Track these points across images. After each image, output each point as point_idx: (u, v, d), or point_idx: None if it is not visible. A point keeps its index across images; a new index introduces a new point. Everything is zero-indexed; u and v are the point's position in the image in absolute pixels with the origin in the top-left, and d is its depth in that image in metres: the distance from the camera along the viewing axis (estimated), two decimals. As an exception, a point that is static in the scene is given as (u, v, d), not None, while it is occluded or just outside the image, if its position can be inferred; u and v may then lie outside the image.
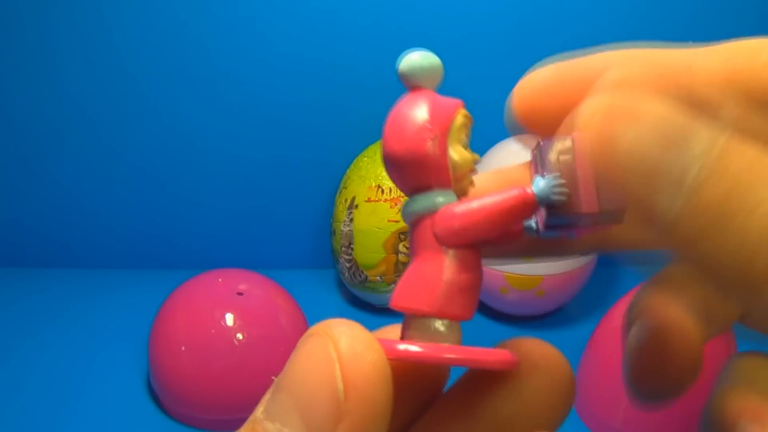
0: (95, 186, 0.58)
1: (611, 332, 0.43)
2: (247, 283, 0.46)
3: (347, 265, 0.53)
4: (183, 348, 0.43)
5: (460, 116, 0.19)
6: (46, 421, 0.45)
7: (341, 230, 0.52)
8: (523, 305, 0.52)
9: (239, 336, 0.43)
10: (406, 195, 0.19)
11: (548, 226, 0.18)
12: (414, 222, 0.19)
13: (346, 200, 0.52)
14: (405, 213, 0.19)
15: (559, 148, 0.19)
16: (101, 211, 0.59)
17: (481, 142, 0.53)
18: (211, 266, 0.49)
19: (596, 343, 0.44)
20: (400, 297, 0.19)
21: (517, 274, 0.49)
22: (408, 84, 0.19)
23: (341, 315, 0.57)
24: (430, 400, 0.19)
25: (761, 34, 0.49)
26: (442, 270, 0.19)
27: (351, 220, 0.51)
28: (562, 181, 0.18)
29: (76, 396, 0.46)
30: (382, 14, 0.53)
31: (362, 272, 0.52)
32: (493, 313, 0.54)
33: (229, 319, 0.43)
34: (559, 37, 0.54)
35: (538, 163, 0.19)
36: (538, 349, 0.18)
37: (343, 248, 0.52)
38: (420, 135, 0.18)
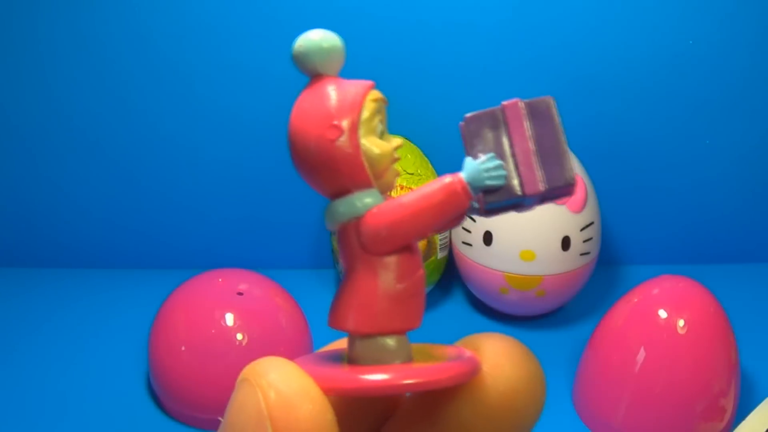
0: (95, 186, 0.58)
1: (611, 332, 0.43)
2: (247, 283, 0.46)
3: (347, 265, 0.53)
4: (183, 348, 0.43)
5: (370, 102, 0.16)
6: (45, 421, 0.45)
7: (341, 230, 0.52)
8: (523, 305, 0.52)
9: (239, 336, 0.43)
10: (327, 198, 0.17)
11: (488, 211, 0.16)
12: (339, 230, 0.17)
13: (346, 200, 0.52)
14: (326, 221, 0.17)
15: (488, 121, 0.16)
16: (101, 211, 0.59)
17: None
18: (211, 266, 0.49)
19: (596, 343, 0.44)
20: (337, 317, 0.17)
21: (517, 275, 0.49)
22: (306, 69, 0.17)
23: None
24: (392, 406, 0.18)
25: (758, 33, 0.49)
26: (376, 283, 0.16)
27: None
28: (497, 161, 0.16)
29: (76, 396, 0.46)
30: (382, 15, 0.53)
31: (362, 272, 0.52)
32: (493, 313, 0.54)
33: (229, 319, 0.43)
34: (559, 38, 0.54)
35: (468, 142, 0.16)
36: (502, 347, 0.16)
37: (343, 248, 0.52)
38: (325, 135, 0.16)
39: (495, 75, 0.55)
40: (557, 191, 0.16)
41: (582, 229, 0.49)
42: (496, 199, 0.16)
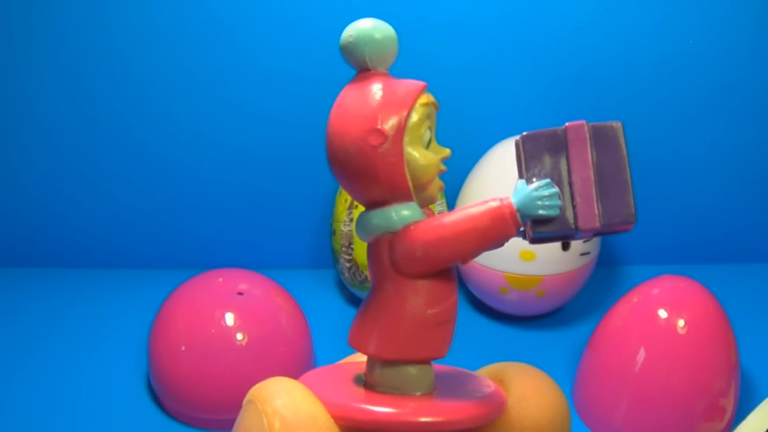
0: (95, 185, 0.58)
1: (611, 332, 0.43)
2: (247, 283, 0.46)
3: (347, 265, 0.53)
4: (183, 348, 0.43)
5: (420, 106, 0.15)
6: (45, 421, 0.45)
7: (341, 230, 0.52)
8: (523, 305, 0.52)
9: (239, 336, 0.43)
10: (363, 206, 0.15)
11: (535, 240, 0.15)
12: (371, 244, 0.15)
13: (346, 200, 0.52)
14: (358, 231, 0.15)
15: (548, 142, 0.14)
16: (102, 211, 0.59)
17: (483, 140, 0.53)
18: (211, 266, 0.49)
19: (596, 343, 0.44)
20: (358, 338, 0.15)
21: (517, 275, 0.49)
22: (355, 62, 0.15)
23: (341, 315, 0.57)
24: None
25: (758, 33, 0.49)
26: (404, 307, 0.15)
27: (351, 220, 0.51)
28: (553, 189, 0.14)
29: (76, 396, 0.46)
30: (382, 14, 0.53)
31: (362, 272, 0.52)
32: (493, 313, 0.54)
33: (229, 319, 0.43)
34: (560, 37, 0.54)
35: (523, 163, 0.15)
36: (528, 380, 0.16)
37: (343, 248, 0.52)
38: (367, 139, 0.14)
39: (493, 75, 0.55)
40: (614, 227, 0.14)
41: (582, 229, 0.49)
42: (546, 229, 0.14)
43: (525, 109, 0.56)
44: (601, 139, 0.15)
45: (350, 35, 0.15)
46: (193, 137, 0.57)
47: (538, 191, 0.14)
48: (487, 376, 0.16)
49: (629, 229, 0.14)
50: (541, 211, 0.14)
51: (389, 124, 0.14)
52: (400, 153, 0.14)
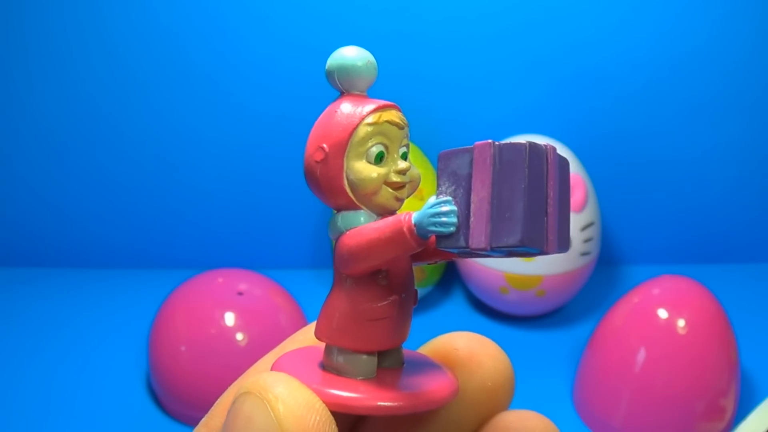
0: (95, 185, 0.58)
1: (611, 332, 0.43)
2: (247, 283, 0.46)
3: (347, 265, 0.53)
4: (183, 348, 0.43)
5: (364, 125, 0.16)
6: (45, 421, 0.45)
7: (341, 230, 0.52)
8: (523, 305, 0.52)
9: (239, 336, 0.43)
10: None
11: (440, 253, 0.15)
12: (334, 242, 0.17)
13: (346, 200, 0.52)
14: (329, 232, 0.17)
15: (458, 160, 0.15)
16: (101, 211, 0.59)
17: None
18: (211, 266, 0.49)
19: (596, 343, 0.44)
20: (317, 324, 0.18)
21: (517, 274, 0.49)
22: (335, 87, 0.17)
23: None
24: None
25: (758, 33, 0.49)
26: (339, 299, 0.17)
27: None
28: (445, 208, 0.14)
29: (76, 396, 0.46)
30: (381, 16, 0.53)
31: (362, 272, 0.52)
32: (493, 313, 0.54)
33: (229, 319, 0.43)
34: (559, 38, 0.54)
35: (439, 179, 0.15)
36: (481, 346, 0.18)
37: (343, 248, 0.52)
38: (313, 156, 0.16)
39: (496, 74, 0.55)
40: (517, 248, 0.14)
41: (582, 229, 0.49)
42: (446, 244, 0.15)
43: (524, 112, 0.56)
44: (506, 158, 0.14)
45: (328, 63, 0.17)
46: (193, 137, 0.57)
47: (433, 208, 0.15)
48: (440, 346, 0.18)
49: (545, 251, 0.14)
50: (432, 228, 0.15)
51: (331, 141, 0.16)
52: (339, 168, 0.16)
